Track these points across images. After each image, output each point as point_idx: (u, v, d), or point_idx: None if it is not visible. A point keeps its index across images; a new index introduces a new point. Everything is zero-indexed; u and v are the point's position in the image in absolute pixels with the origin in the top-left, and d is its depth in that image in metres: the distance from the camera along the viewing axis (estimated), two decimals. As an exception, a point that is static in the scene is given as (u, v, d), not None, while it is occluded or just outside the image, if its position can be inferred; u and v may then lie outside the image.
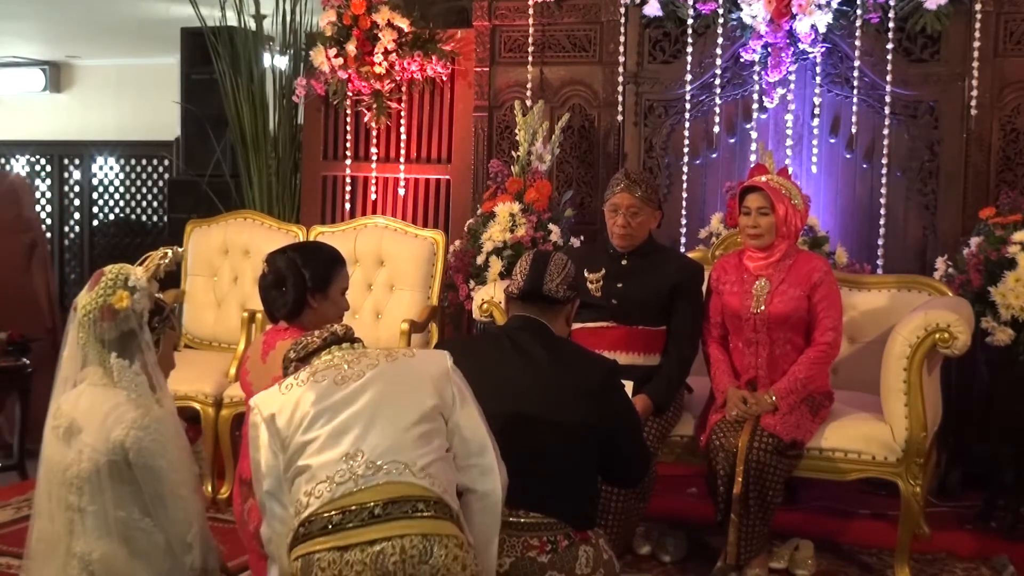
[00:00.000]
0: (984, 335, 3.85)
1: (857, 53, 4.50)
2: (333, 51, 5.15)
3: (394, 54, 5.11)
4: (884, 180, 4.53)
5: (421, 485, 2.16)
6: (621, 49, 4.88)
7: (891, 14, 4.43)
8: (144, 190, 8.66)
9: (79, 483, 2.45)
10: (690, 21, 4.71)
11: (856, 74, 4.52)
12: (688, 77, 4.75)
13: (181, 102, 6.33)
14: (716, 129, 4.76)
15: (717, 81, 4.72)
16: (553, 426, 2.56)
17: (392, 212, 5.35)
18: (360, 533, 2.10)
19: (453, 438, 2.31)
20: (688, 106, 4.78)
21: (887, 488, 3.74)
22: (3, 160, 8.90)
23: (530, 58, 5.03)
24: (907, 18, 4.44)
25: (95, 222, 8.75)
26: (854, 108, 4.56)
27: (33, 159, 8.91)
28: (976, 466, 4.30)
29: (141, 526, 2.47)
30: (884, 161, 4.53)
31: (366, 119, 5.35)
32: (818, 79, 4.59)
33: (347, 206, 5.46)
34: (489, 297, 3.98)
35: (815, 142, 4.64)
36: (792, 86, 4.61)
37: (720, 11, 4.65)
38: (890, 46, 4.45)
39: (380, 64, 5.12)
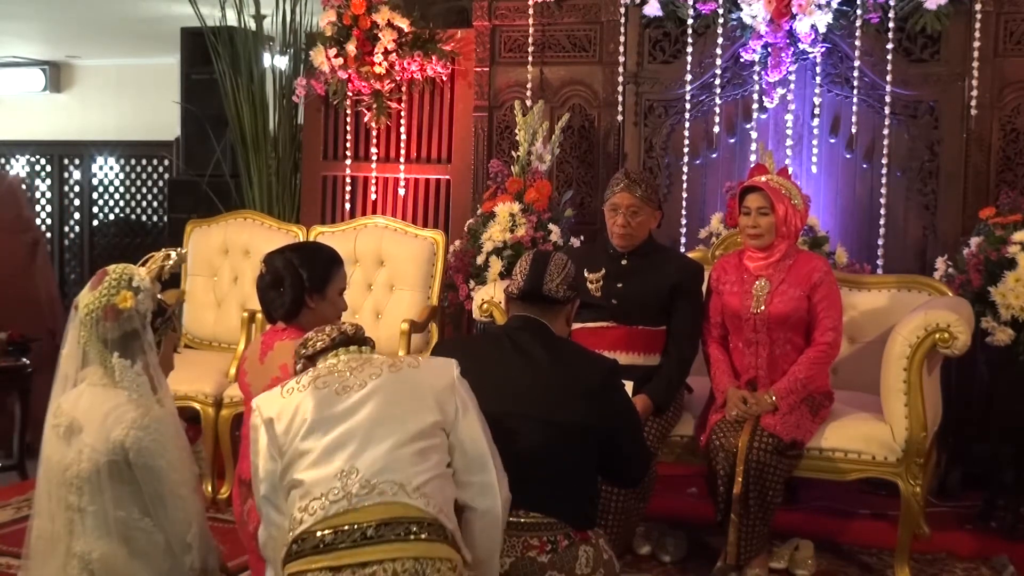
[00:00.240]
0: (984, 335, 3.85)
1: (857, 53, 4.50)
2: (333, 51, 5.15)
3: (394, 54, 5.11)
4: (884, 180, 4.53)
5: (416, 506, 2.14)
6: (621, 49, 4.88)
7: (891, 14, 4.43)
8: (144, 190, 8.67)
9: (79, 483, 2.45)
10: (690, 21, 4.71)
11: (856, 74, 4.52)
12: (688, 77, 4.75)
13: (181, 102, 6.33)
14: (716, 129, 4.76)
15: (717, 81, 4.72)
16: (553, 426, 2.55)
17: (392, 212, 5.35)
18: (352, 554, 2.10)
19: (454, 452, 2.29)
20: (688, 106, 4.78)
21: (887, 488, 3.73)
22: (3, 160, 8.90)
23: (530, 58, 5.03)
24: (907, 18, 4.44)
25: (95, 222, 8.75)
26: (854, 108, 4.56)
27: (33, 159, 8.91)
28: (976, 466, 4.30)
29: (141, 526, 2.47)
30: (884, 161, 4.53)
31: (366, 119, 5.35)
32: (818, 79, 4.59)
33: (347, 206, 5.46)
34: (489, 297, 3.98)
35: (815, 142, 4.64)
36: (792, 86, 4.61)
37: (720, 11, 4.65)
38: (890, 46, 4.45)
39: (380, 64, 5.12)
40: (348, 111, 5.41)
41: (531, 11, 5.01)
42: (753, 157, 4.65)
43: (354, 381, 2.27)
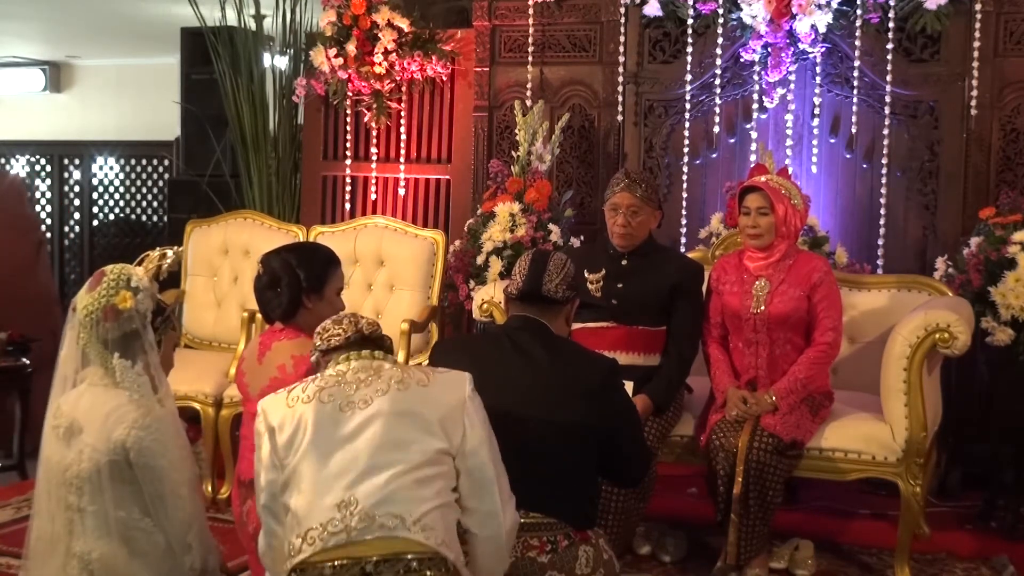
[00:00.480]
0: (984, 335, 3.85)
1: (857, 53, 4.50)
2: (333, 51, 5.15)
3: (394, 54, 5.11)
4: (884, 180, 4.53)
5: (416, 540, 2.11)
6: (621, 49, 4.88)
7: (891, 14, 4.43)
8: (144, 190, 8.66)
9: (79, 483, 2.45)
10: (690, 21, 4.71)
11: (856, 74, 4.52)
12: (688, 77, 4.75)
13: (181, 102, 6.33)
14: (716, 129, 4.76)
15: (717, 81, 4.72)
16: (553, 426, 2.55)
17: (392, 212, 5.35)
18: None
19: (460, 477, 2.24)
20: (688, 106, 4.78)
21: (887, 488, 3.73)
22: (3, 160, 8.90)
23: (530, 58, 5.03)
24: (907, 18, 4.44)
25: (95, 222, 8.75)
26: (854, 108, 4.56)
27: (33, 159, 8.91)
28: (976, 466, 4.30)
29: (141, 526, 2.47)
30: (884, 161, 4.53)
31: (366, 119, 5.35)
32: (818, 79, 4.59)
33: (347, 206, 5.46)
34: (489, 297, 3.98)
35: (815, 142, 4.64)
36: (792, 86, 4.61)
37: (720, 11, 4.65)
38: (890, 46, 4.45)
39: (380, 64, 5.12)
40: (348, 111, 5.41)
41: (531, 11, 5.01)
42: (753, 157, 4.65)
43: (359, 397, 2.21)
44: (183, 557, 2.51)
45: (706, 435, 3.52)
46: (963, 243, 4.16)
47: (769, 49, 4.58)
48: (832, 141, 4.66)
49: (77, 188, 8.84)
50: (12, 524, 4.07)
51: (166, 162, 8.39)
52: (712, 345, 3.73)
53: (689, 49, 4.74)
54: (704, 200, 4.85)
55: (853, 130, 4.58)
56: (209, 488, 4.25)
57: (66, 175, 8.85)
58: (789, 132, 4.65)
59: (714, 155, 4.83)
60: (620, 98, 4.88)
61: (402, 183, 5.39)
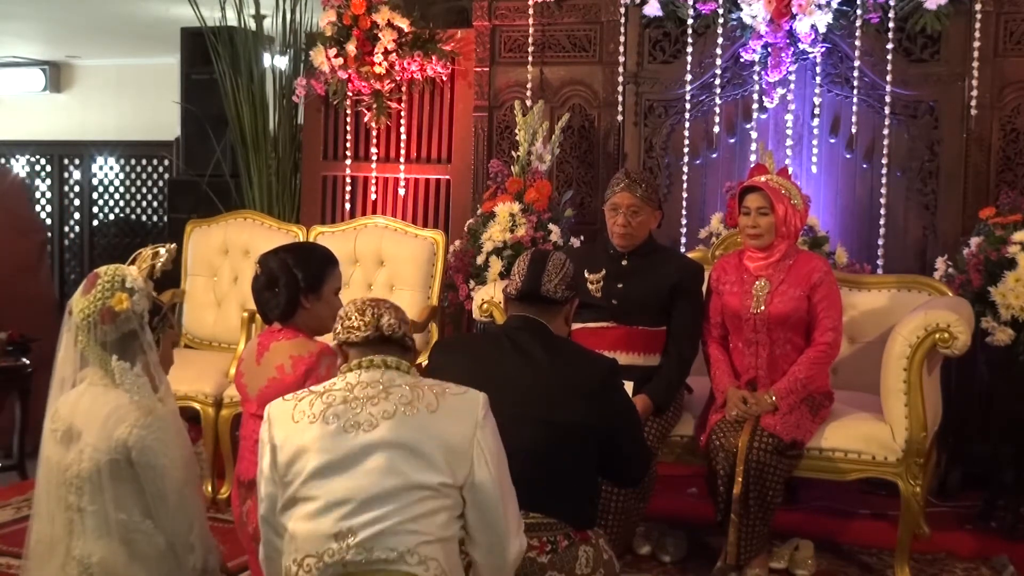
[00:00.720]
0: (984, 335, 3.85)
1: (857, 53, 4.50)
2: (333, 51, 5.15)
3: (394, 54, 5.11)
4: (884, 180, 4.53)
5: (414, 574, 2.08)
6: (621, 49, 4.88)
7: (891, 14, 4.43)
8: (144, 190, 8.66)
9: (79, 483, 2.44)
10: (690, 21, 4.71)
11: (856, 74, 4.52)
12: (688, 77, 4.75)
13: (181, 102, 6.33)
14: (716, 129, 4.76)
15: (717, 81, 4.72)
16: (553, 426, 2.55)
17: (392, 212, 5.35)
18: None
19: (466, 507, 2.18)
20: (688, 106, 4.78)
21: (887, 488, 3.73)
22: (2, 160, 8.90)
23: (530, 58, 5.03)
24: (907, 18, 4.44)
25: (95, 222, 8.75)
26: (854, 108, 4.56)
27: (33, 159, 8.91)
28: (976, 466, 4.30)
29: (142, 528, 2.46)
30: (884, 161, 4.53)
31: (366, 119, 5.35)
32: (818, 79, 4.59)
33: (347, 206, 5.46)
34: (489, 297, 3.98)
35: (815, 142, 4.64)
36: (792, 86, 4.61)
37: (720, 11, 4.65)
38: (890, 46, 4.45)
39: (380, 64, 5.12)
40: (348, 111, 5.41)
41: (531, 11, 5.01)
42: (753, 157, 4.65)
43: (364, 418, 2.14)
44: (186, 557, 2.50)
45: (706, 435, 3.52)
46: (963, 243, 4.16)
47: (769, 49, 4.58)
48: (832, 141, 4.66)
49: (77, 188, 8.83)
50: (12, 524, 4.07)
51: (166, 162, 8.39)
52: (712, 345, 3.73)
53: (689, 49, 4.74)
54: (704, 200, 4.85)
55: (853, 130, 4.58)
56: (209, 488, 4.25)
57: (66, 175, 8.85)
58: (789, 132, 4.65)
59: (714, 155, 4.83)
60: (620, 98, 4.88)
61: (402, 183, 5.39)
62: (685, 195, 4.81)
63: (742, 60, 4.67)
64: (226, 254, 4.90)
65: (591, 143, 5.01)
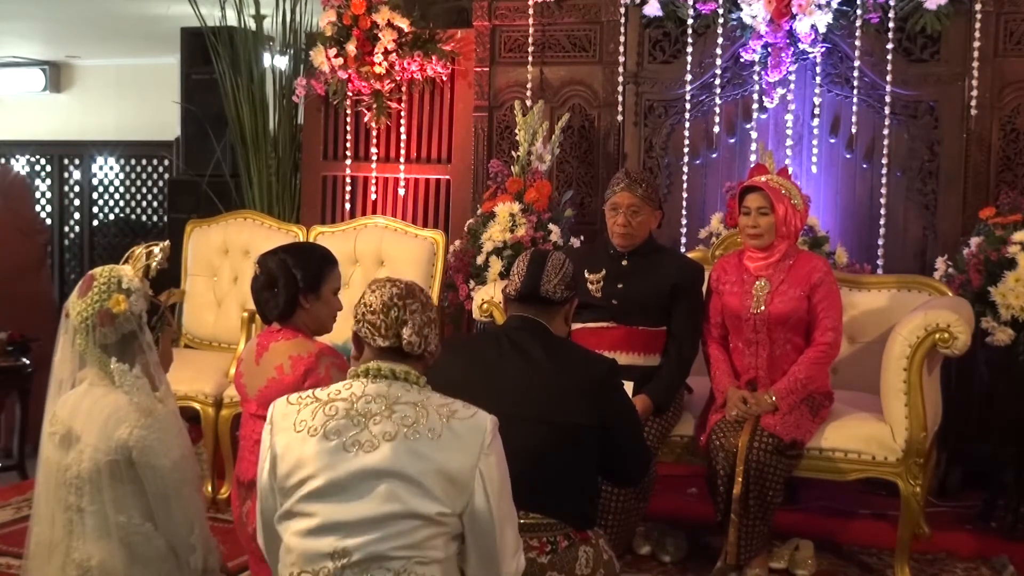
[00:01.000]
0: (984, 335, 3.85)
1: (857, 53, 4.50)
2: (333, 51, 5.15)
3: (394, 54, 5.11)
4: (884, 180, 4.53)
5: None
6: (621, 49, 4.88)
7: (891, 14, 4.44)
8: (144, 190, 8.67)
9: (79, 483, 2.44)
10: (690, 21, 4.71)
11: (856, 74, 4.52)
12: (688, 77, 4.75)
13: (181, 102, 6.33)
14: (716, 129, 4.76)
15: (717, 81, 4.72)
16: (553, 426, 2.55)
17: (392, 212, 5.35)
18: None
19: (465, 531, 2.13)
20: (688, 106, 4.78)
21: (887, 488, 3.74)
22: (2, 160, 8.91)
23: (530, 58, 5.03)
24: (907, 18, 4.44)
25: (95, 222, 8.75)
26: (854, 108, 4.56)
27: (33, 159, 8.91)
28: (976, 466, 4.30)
29: (141, 531, 2.46)
30: (884, 161, 4.53)
31: (366, 119, 5.35)
32: (818, 79, 4.59)
33: (347, 206, 5.46)
34: (489, 297, 3.98)
35: (815, 142, 4.64)
36: (792, 86, 4.61)
37: (720, 11, 4.65)
38: (890, 46, 4.45)
39: (380, 64, 5.12)
40: (348, 111, 5.41)
41: (531, 11, 5.01)
42: (753, 157, 4.65)
43: (366, 437, 2.08)
44: (187, 557, 2.50)
45: (706, 435, 3.52)
46: (963, 243, 4.16)
47: (769, 49, 4.58)
48: (832, 141, 4.66)
49: (77, 188, 8.84)
50: (12, 524, 4.07)
51: (166, 162, 8.39)
52: (712, 345, 3.73)
53: (689, 49, 4.74)
54: (704, 200, 4.85)
55: (853, 130, 4.58)
56: (209, 488, 4.25)
57: (66, 175, 8.86)
58: (789, 132, 4.65)
59: (714, 155, 4.83)
60: (620, 98, 4.88)
61: (402, 183, 5.39)
62: (685, 195, 4.81)
63: (742, 60, 4.67)
64: (226, 254, 4.90)
65: (591, 143, 5.01)
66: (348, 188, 5.48)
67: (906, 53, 4.51)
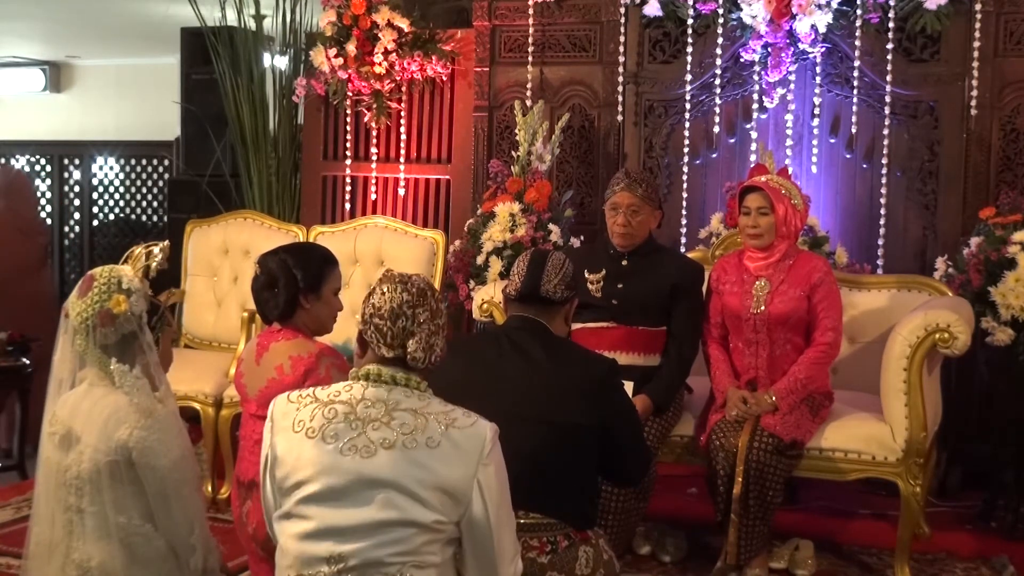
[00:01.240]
0: (984, 335, 3.85)
1: (857, 53, 4.50)
2: (333, 51, 5.15)
3: (394, 54, 5.11)
4: (884, 180, 4.54)
5: None
6: (621, 49, 4.88)
7: (891, 14, 4.44)
8: (144, 190, 8.67)
9: (79, 483, 2.44)
10: (690, 21, 4.71)
11: (856, 74, 4.52)
12: (688, 77, 4.75)
13: (181, 102, 6.33)
14: (716, 129, 4.76)
15: (717, 81, 4.72)
16: (553, 426, 2.55)
17: (392, 212, 5.35)
18: None
19: (462, 538, 2.11)
20: (688, 106, 4.78)
21: (887, 488, 3.74)
22: (2, 160, 8.91)
23: (530, 58, 5.03)
24: (907, 18, 4.44)
25: (95, 222, 8.75)
26: (854, 108, 4.56)
27: (33, 159, 8.91)
28: (976, 466, 4.30)
29: (141, 532, 2.45)
30: (884, 161, 4.53)
31: (366, 119, 5.35)
32: (818, 79, 4.59)
33: (347, 206, 5.47)
34: (489, 297, 3.98)
35: (815, 142, 4.65)
36: (792, 86, 4.61)
37: (720, 11, 4.65)
38: (890, 46, 4.45)
39: (380, 64, 5.12)
40: (348, 111, 5.41)
41: (531, 11, 5.01)
42: (753, 157, 4.65)
43: (364, 442, 2.06)
44: (188, 558, 2.49)
45: (706, 435, 3.52)
46: (963, 243, 4.16)
47: (769, 49, 4.58)
48: (832, 141, 4.66)
49: (77, 188, 8.84)
50: (12, 524, 4.07)
51: (166, 162, 8.39)
52: (712, 345, 3.73)
53: (689, 49, 4.74)
54: (704, 200, 4.85)
55: (853, 130, 4.58)
56: (209, 488, 4.25)
57: (66, 175, 8.86)
58: (789, 132, 4.65)
59: (714, 155, 4.83)
60: (620, 98, 4.88)
61: (402, 183, 5.39)
62: (685, 195, 4.81)
63: (742, 60, 4.67)
64: (226, 254, 4.90)
65: (591, 143, 5.01)
66: (348, 188, 5.48)
67: (906, 53, 4.51)
